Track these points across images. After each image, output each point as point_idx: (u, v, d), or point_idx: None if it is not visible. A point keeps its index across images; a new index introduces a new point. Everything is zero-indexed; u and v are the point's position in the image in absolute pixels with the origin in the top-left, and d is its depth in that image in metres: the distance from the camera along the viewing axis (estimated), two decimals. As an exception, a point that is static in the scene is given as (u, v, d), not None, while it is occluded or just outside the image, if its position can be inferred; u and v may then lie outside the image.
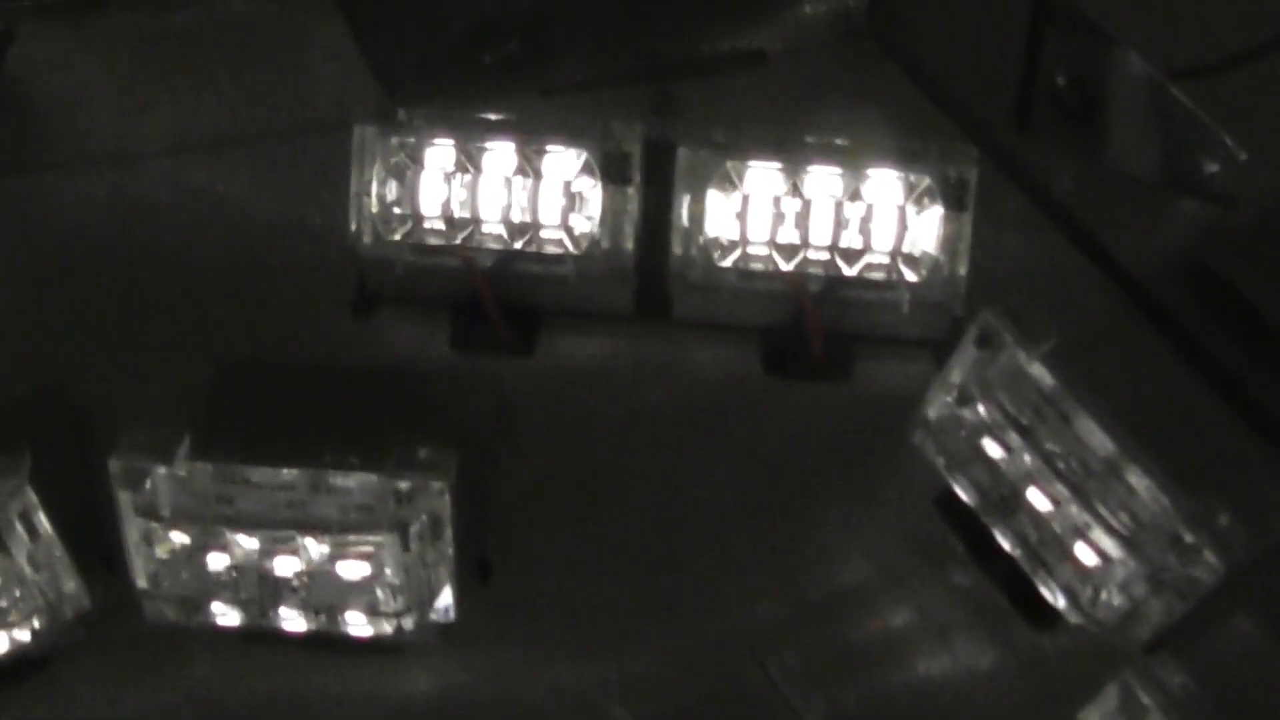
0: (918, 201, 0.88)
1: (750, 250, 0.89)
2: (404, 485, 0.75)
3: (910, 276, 0.89)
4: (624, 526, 0.89)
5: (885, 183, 0.88)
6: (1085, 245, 0.99)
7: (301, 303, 0.97)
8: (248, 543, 0.77)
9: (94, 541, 0.82)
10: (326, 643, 0.81)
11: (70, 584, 0.79)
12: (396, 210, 0.91)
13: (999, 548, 0.82)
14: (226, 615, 0.78)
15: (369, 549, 0.76)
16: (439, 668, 0.83)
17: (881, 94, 1.04)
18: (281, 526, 0.76)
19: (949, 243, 0.88)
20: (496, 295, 0.91)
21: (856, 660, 0.85)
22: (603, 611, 0.85)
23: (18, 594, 0.78)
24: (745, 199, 0.89)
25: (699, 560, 0.88)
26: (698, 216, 0.89)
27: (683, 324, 0.94)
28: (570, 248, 0.90)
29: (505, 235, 0.91)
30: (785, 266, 0.89)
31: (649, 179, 0.91)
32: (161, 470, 0.76)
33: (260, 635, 0.81)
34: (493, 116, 0.90)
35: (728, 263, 0.89)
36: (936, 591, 0.86)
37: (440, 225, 0.91)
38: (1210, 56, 1.04)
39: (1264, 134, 0.99)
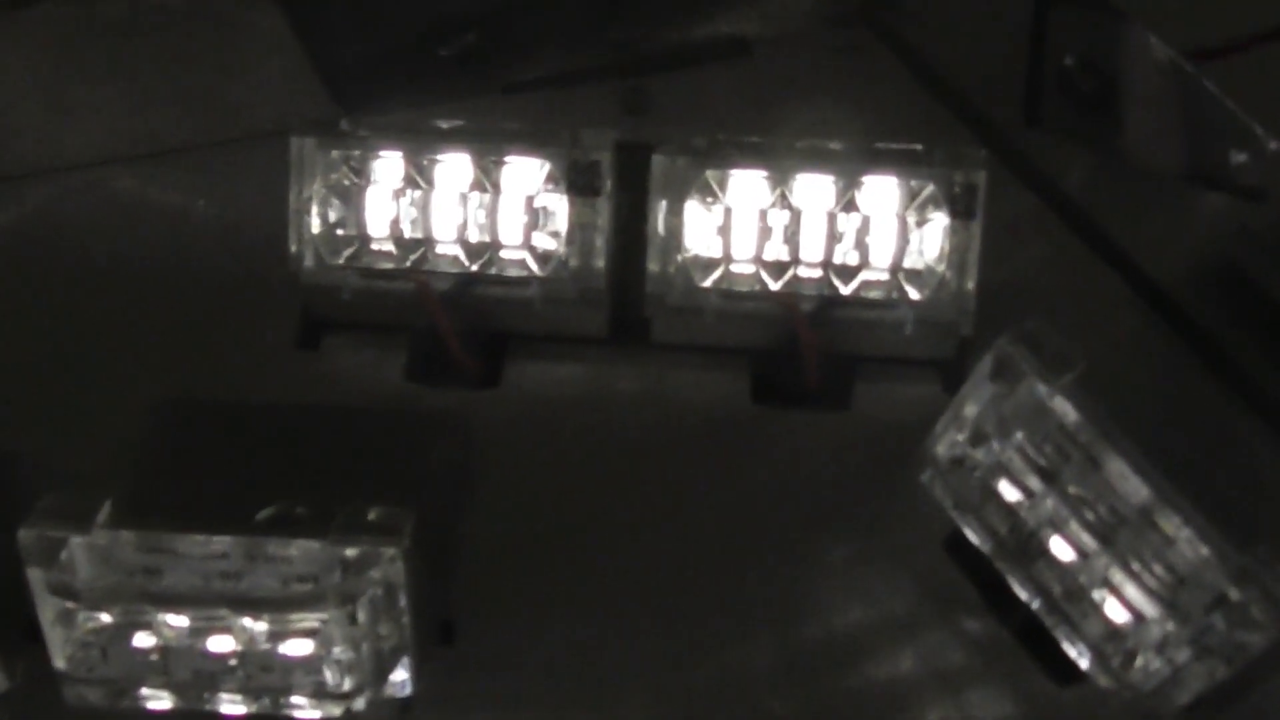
0: (920, 210, 0.80)
1: (734, 268, 0.82)
2: (351, 553, 0.67)
3: (913, 294, 0.81)
4: (601, 574, 0.81)
5: (883, 190, 0.80)
6: (1104, 250, 0.91)
7: (242, 330, 0.89)
8: (177, 621, 0.68)
9: (15, 610, 0.75)
10: (271, 720, 0.74)
11: (-17, 660, 0.71)
12: (340, 231, 0.83)
13: (1016, 598, 0.75)
14: (157, 699, 0.70)
15: (314, 625, 0.68)
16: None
17: (876, 86, 0.97)
18: (215, 604, 0.68)
19: (956, 255, 0.80)
20: (455, 322, 0.83)
21: (854, 706, 0.78)
22: (579, 669, 0.78)
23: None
24: (728, 211, 0.81)
25: (684, 609, 0.80)
26: (676, 231, 0.81)
27: (663, 348, 0.86)
28: (535, 268, 0.82)
29: (462, 256, 0.83)
30: (774, 285, 0.81)
31: (621, 188, 0.83)
32: (78, 540, 0.67)
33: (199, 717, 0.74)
34: (445, 124, 0.82)
35: (709, 282, 0.81)
36: (945, 641, 0.79)
37: (390, 247, 0.83)
38: (1233, 33, 0.97)
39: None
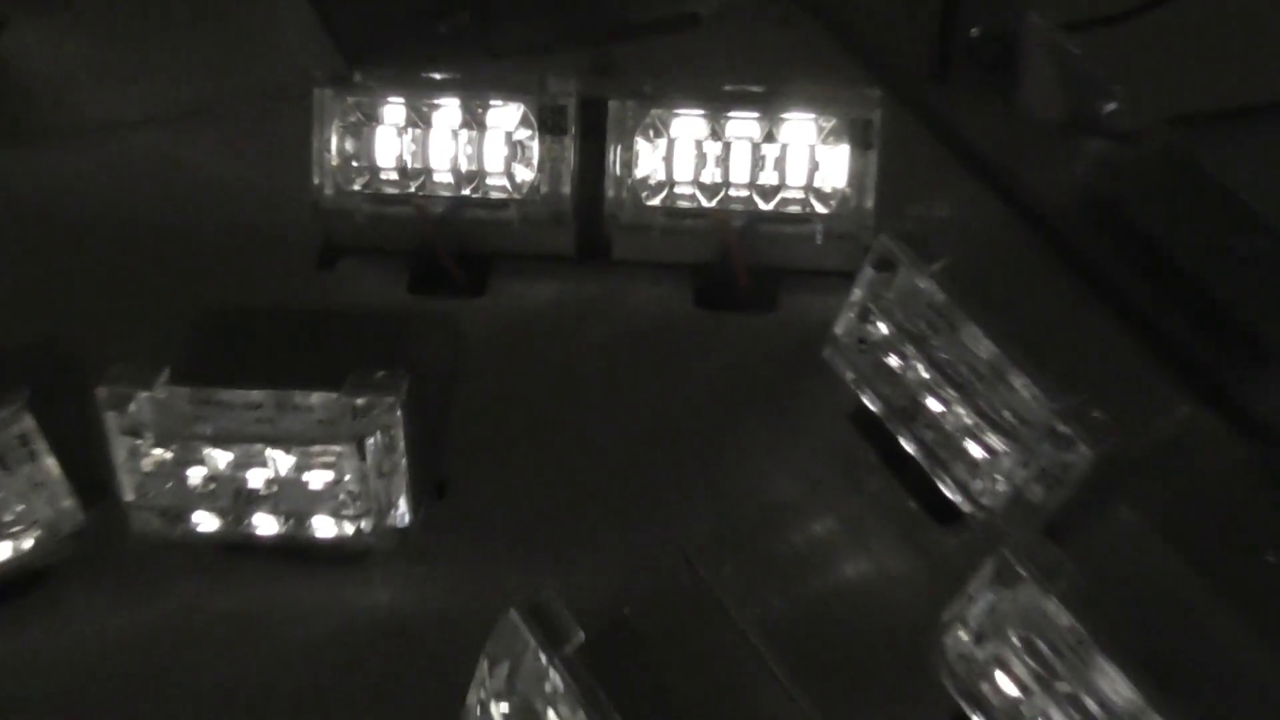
0: (827, 141, 0.97)
1: (677, 190, 0.99)
2: (360, 402, 0.84)
3: (821, 209, 0.97)
4: (569, 449, 0.97)
5: (798, 125, 0.97)
6: (994, 183, 1.08)
7: (271, 256, 1.05)
8: (222, 457, 0.85)
9: (87, 472, 0.91)
10: (295, 552, 0.90)
11: (66, 502, 0.88)
12: (355, 164, 1.00)
13: (906, 454, 0.92)
14: (205, 523, 0.87)
15: (330, 459, 0.85)
16: (398, 578, 0.91)
17: (804, 51, 1.13)
18: (252, 441, 0.85)
19: (856, 178, 0.97)
20: (448, 241, 1.00)
21: (781, 561, 0.93)
22: (548, 525, 0.93)
23: (20, 509, 0.86)
24: (671, 144, 0.98)
25: (638, 478, 0.96)
26: (628, 162, 0.98)
27: (621, 264, 1.03)
28: (513, 193, 0.99)
29: (454, 183, 1.00)
30: (709, 204, 0.98)
31: (586, 134, 1.00)
32: (144, 394, 0.85)
33: (236, 547, 0.90)
34: (439, 76, 0.99)
35: (656, 202, 0.98)
36: (854, 499, 0.95)
37: (395, 176, 1.00)
38: (1109, 7, 1.14)
39: (1162, 75, 1.08)
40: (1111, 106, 1.05)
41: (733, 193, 0.98)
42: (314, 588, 0.91)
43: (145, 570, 0.91)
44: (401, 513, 0.88)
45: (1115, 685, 0.76)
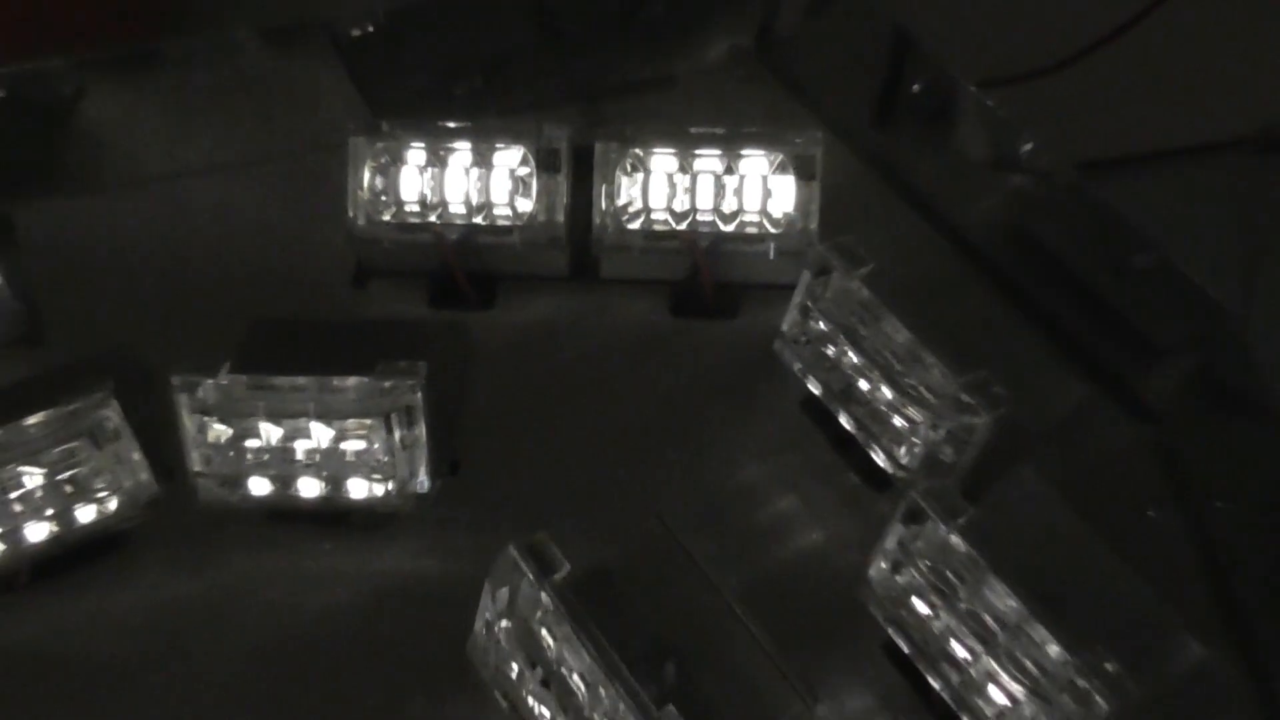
0: (777, 173, 1.15)
1: (653, 216, 1.16)
2: (386, 384, 1.02)
3: (773, 231, 1.15)
4: (563, 436, 1.14)
5: (753, 160, 1.15)
6: (926, 212, 1.25)
7: (313, 278, 1.22)
8: (273, 432, 1.03)
9: (159, 458, 1.06)
10: (333, 518, 1.07)
11: (143, 475, 1.04)
12: (383, 198, 1.17)
13: (848, 435, 1.09)
14: (259, 487, 1.05)
15: (363, 432, 1.03)
16: (419, 539, 1.07)
17: (767, 105, 1.31)
18: (298, 418, 1.03)
19: (802, 205, 1.14)
20: (462, 263, 1.18)
21: (743, 523, 1.09)
22: (544, 497, 1.08)
23: (105, 480, 1.03)
24: (647, 177, 1.16)
25: (622, 459, 1.12)
26: (611, 193, 1.16)
27: (607, 282, 1.20)
28: (516, 221, 1.17)
29: (466, 213, 1.17)
30: (680, 227, 1.16)
31: (577, 172, 1.17)
32: (209, 381, 1.02)
33: (282, 515, 1.07)
34: (453, 125, 1.17)
35: (635, 226, 1.16)
36: (805, 472, 1.11)
37: (416, 208, 1.17)
38: (1034, 61, 1.32)
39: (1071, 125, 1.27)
40: (1027, 148, 1.23)
41: (699, 217, 1.16)
42: (349, 549, 1.07)
43: (207, 536, 1.07)
44: (421, 480, 1.05)
45: (1004, 600, 0.93)
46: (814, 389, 1.09)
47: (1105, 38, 1.35)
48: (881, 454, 1.05)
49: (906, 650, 0.97)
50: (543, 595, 0.92)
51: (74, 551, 1.05)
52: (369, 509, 1.06)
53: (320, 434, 1.03)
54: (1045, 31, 1.38)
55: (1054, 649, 0.89)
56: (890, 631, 0.98)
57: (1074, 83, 1.34)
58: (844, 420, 1.07)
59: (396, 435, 1.02)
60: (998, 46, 1.37)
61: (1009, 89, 1.29)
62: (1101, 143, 1.33)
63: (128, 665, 1.02)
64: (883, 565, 0.97)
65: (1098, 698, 0.87)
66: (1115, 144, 1.34)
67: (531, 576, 0.92)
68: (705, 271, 1.16)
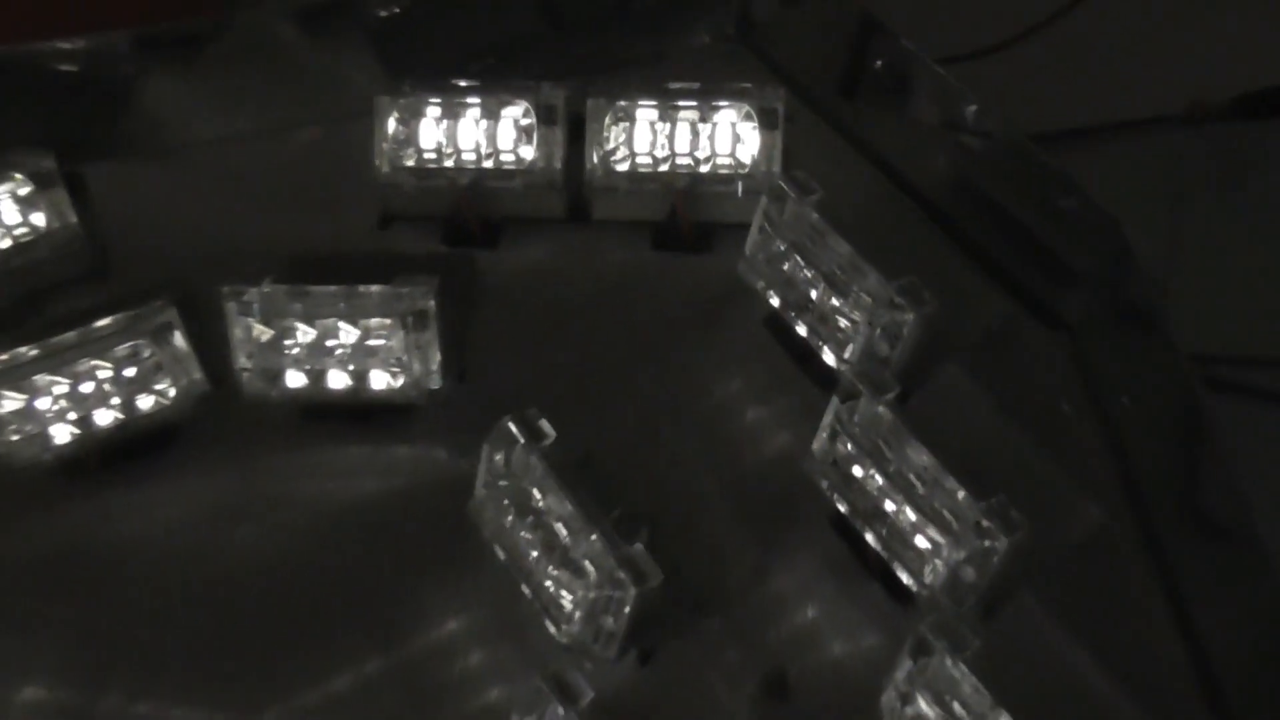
0: (745, 122, 1.32)
1: (637, 160, 1.33)
2: (403, 290, 1.19)
3: (741, 173, 1.32)
4: (558, 353, 1.29)
5: (724, 111, 1.32)
6: (884, 168, 1.42)
7: (342, 223, 1.38)
8: (308, 332, 1.20)
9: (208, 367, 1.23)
10: (357, 412, 1.24)
11: (196, 374, 1.21)
12: (404, 149, 1.35)
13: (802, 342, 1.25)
14: (295, 380, 1.21)
15: (384, 332, 1.19)
16: (430, 436, 1.23)
17: (743, 78, 1.46)
18: (329, 318, 1.20)
19: (765, 151, 1.31)
20: (472, 205, 1.35)
21: (707, 423, 1.24)
22: (539, 403, 1.15)
23: (164, 375, 1.20)
24: (632, 126, 1.32)
25: (609, 373, 1.27)
26: (600, 141, 1.33)
27: (599, 223, 1.37)
28: (519, 167, 1.34)
29: (476, 160, 1.34)
30: (661, 169, 1.33)
31: (573, 135, 1.34)
32: (254, 289, 1.20)
33: (314, 412, 1.24)
34: (465, 84, 1.35)
35: (622, 169, 1.33)
36: (767, 381, 1.27)
37: (434, 156, 1.34)
38: (983, 42, 1.50)
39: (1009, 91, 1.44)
40: (972, 110, 1.40)
41: (677, 161, 1.33)
42: (372, 441, 1.24)
43: (248, 433, 1.23)
44: (434, 374, 1.21)
45: (921, 457, 1.07)
46: (775, 303, 1.25)
47: (1044, 21, 1.52)
48: (830, 355, 1.22)
49: (845, 510, 1.13)
50: (532, 458, 1.09)
51: (135, 441, 1.21)
52: (388, 401, 1.23)
53: (347, 334, 1.20)
54: (992, 16, 1.56)
55: (962, 495, 1.05)
56: (833, 497, 1.14)
57: (1016, 62, 1.51)
58: (801, 328, 1.24)
59: (412, 335, 1.19)
60: (951, 29, 1.54)
61: (960, 65, 1.47)
62: (1040, 117, 1.50)
63: (179, 547, 1.18)
64: (824, 437, 1.13)
65: (999, 533, 1.03)
66: (1053, 118, 1.51)
67: (523, 441, 1.09)
68: (682, 210, 1.33)
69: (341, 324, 1.19)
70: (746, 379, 1.28)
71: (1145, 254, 1.26)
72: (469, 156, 1.35)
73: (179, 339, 1.20)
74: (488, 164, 1.34)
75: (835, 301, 1.20)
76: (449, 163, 1.35)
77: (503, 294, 1.34)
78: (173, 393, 1.21)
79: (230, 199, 1.43)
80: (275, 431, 1.24)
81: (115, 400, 1.20)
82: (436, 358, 1.21)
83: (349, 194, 1.40)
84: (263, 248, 1.34)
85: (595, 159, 1.33)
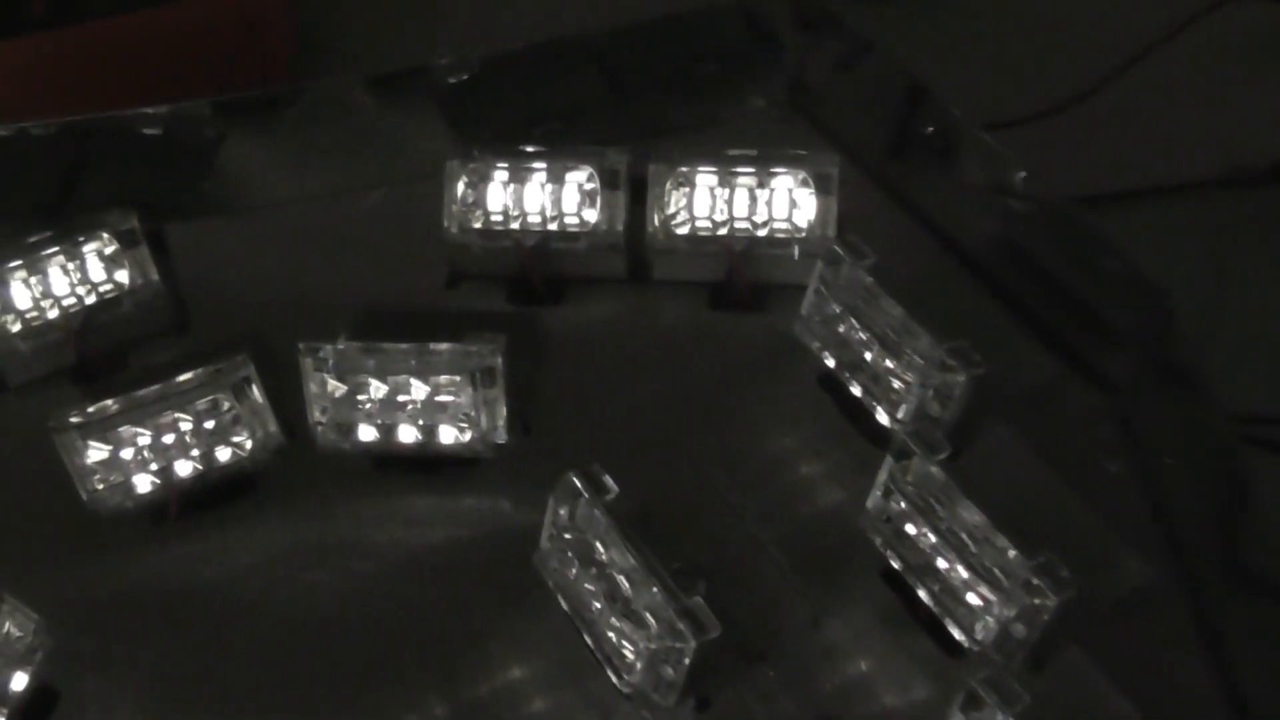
0: (802, 188, 1.37)
1: (697, 223, 1.38)
2: (472, 349, 1.24)
3: (798, 236, 1.37)
4: (619, 410, 1.33)
5: (781, 177, 1.37)
6: (932, 229, 1.47)
7: (413, 283, 1.44)
8: (380, 388, 1.25)
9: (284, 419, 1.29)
10: (427, 464, 1.28)
11: (272, 427, 1.27)
12: (473, 211, 1.41)
13: (853, 397, 1.30)
14: (367, 434, 1.27)
15: (453, 388, 1.25)
16: (496, 487, 1.28)
17: (798, 143, 1.51)
18: (401, 374, 1.25)
19: (821, 215, 1.36)
20: (537, 266, 1.41)
21: (764, 472, 1.28)
22: (600, 456, 1.19)
23: (242, 427, 1.25)
24: (692, 190, 1.37)
25: (668, 433, 1.31)
26: (662, 205, 1.38)
27: (658, 283, 1.42)
28: (582, 229, 1.39)
29: (541, 222, 1.39)
30: (720, 233, 1.38)
31: (635, 198, 1.39)
32: (329, 346, 1.25)
33: (385, 463, 1.29)
34: (531, 149, 1.41)
35: (681, 232, 1.38)
36: (820, 435, 1.32)
37: (500, 218, 1.39)
38: (1028, 109, 1.55)
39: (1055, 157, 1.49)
40: (1021, 176, 1.44)
41: (736, 225, 1.38)
42: (440, 492, 1.28)
43: (323, 483, 1.28)
44: (500, 428, 1.26)
45: (973, 516, 1.12)
46: (830, 363, 1.30)
47: (1088, 91, 1.57)
48: (884, 414, 1.26)
49: (897, 566, 1.17)
50: (595, 512, 1.13)
51: (214, 490, 1.27)
52: (456, 455, 1.27)
53: (418, 389, 1.25)
54: (1038, 84, 1.61)
55: (1012, 553, 1.09)
56: (885, 552, 1.18)
57: (1060, 129, 1.56)
58: (856, 389, 1.28)
59: (480, 392, 1.25)
60: (998, 95, 1.59)
61: (1005, 131, 1.52)
62: (1084, 181, 1.54)
63: (254, 592, 1.22)
64: (878, 495, 1.17)
65: (1048, 591, 1.07)
66: (1097, 183, 1.56)
67: (586, 496, 1.14)
68: (739, 272, 1.38)
69: (412, 380, 1.24)
70: (801, 435, 1.32)
71: (1188, 315, 1.29)
72: (534, 219, 1.40)
73: (256, 393, 1.26)
74: (552, 226, 1.40)
75: (888, 363, 1.24)
76: (515, 224, 1.40)
77: (566, 351, 1.39)
78: (250, 445, 1.26)
79: (304, 256, 1.49)
80: (348, 482, 1.29)
81: (195, 451, 1.25)
82: (503, 413, 1.26)
83: (419, 253, 1.46)
84: (336, 303, 1.41)
85: (656, 222, 1.38)
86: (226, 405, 1.25)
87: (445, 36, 1.69)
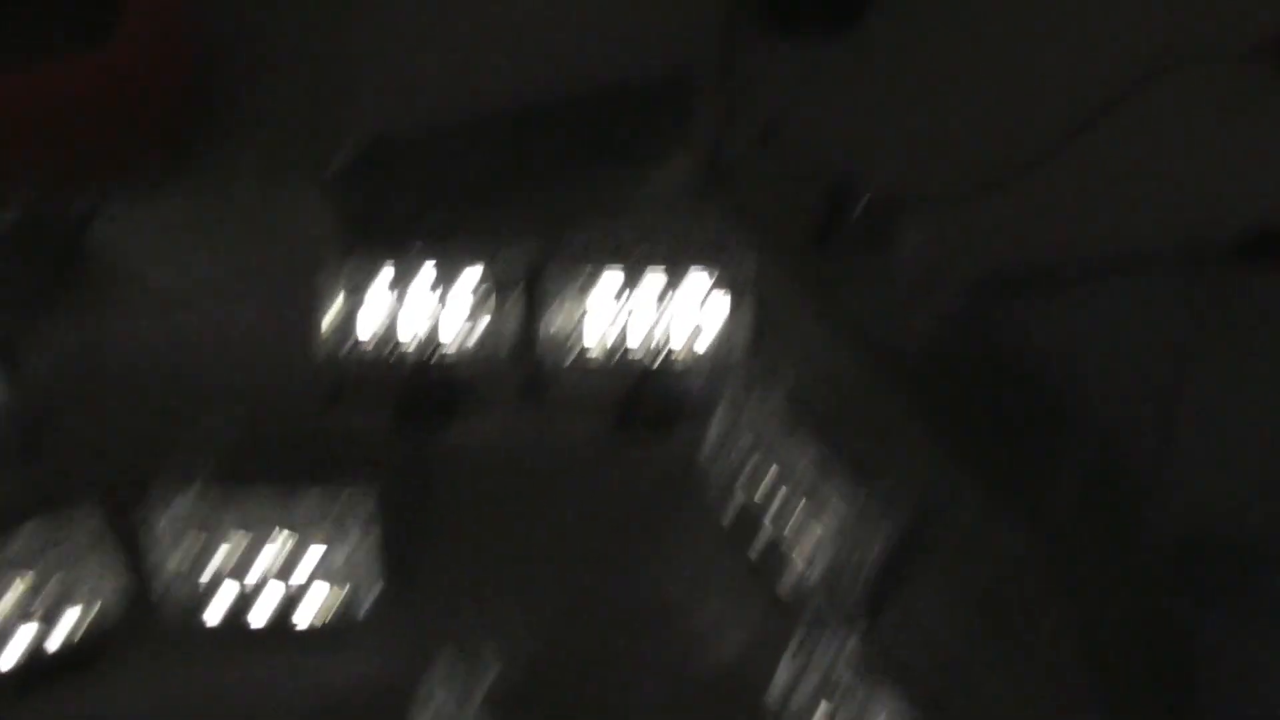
0: (714, 290, 1.23)
1: (594, 343, 1.26)
2: (344, 495, 1.12)
3: (708, 352, 1.24)
4: (509, 548, 1.24)
5: (692, 277, 1.24)
6: (853, 330, 1.35)
7: (290, 392, 1.30)
8: (242, 538, 1.14)
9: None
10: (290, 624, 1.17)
11: (122, 579, 1.16)
12: (352, 320, 1.26)
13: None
14: (229, 589, 1.15)
15: (323, 537, 1.14)
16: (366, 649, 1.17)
17: (713, 230, 1.40)
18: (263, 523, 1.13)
19: (730, 332, 1.23)
20: (423, 382, 1.28)
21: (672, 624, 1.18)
22: (484, 606, 1.18)
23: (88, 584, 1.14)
24: (592, 296, 1.24)
25: (561, 573, 1.22)
26: (559, 320, 1.25)
27: (557, 402, 1.29)
28: (474, 341, 1.26)
29: (429, 335, 1.26)
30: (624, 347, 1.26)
31: (531, 296, 1.27)
32: (182, 495, 1.13)
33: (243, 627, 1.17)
34: (418, 248, 1.26)
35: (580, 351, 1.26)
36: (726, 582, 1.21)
37: (383, 329, 1.26)
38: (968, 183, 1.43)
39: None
40: (955, 263, 1.33)
41: (636, 346, 1.26)
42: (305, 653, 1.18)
43: (175, 646, 1.17)
44: (374, 580, 1.15)
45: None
46: (737, 498, 1.18)
47: (1021, 168, 1.45)
48: (798, 559, 1.14)
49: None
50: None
51: (58, 659, 1.15)
52: (326, 608, 1.16)
53: (283, 540, 1.13)
54: (969, 161, 1.48)
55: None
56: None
57: (994, 208, 1.44)
58: (764, 529, 1.16)
59: (352, 543, 1.13)
60: (929, 173, 1.47)
61: (944, 208, 1.40)
62: (1033, 258, 1.42)
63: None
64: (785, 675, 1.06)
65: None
66: (1045, 259, 1.43)
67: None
68: (643, 393, 1.26)
69: (278, 531, 1.12)
70: (703, 579, 1.21)
71: (1141, 409, 1.18)
72: (421, 327, 1.27)
73: (104, 546, 1.14)
74: (442, 336, 1.26)
75: (802, 502, 1.12)
76: (402, 335, 1.27)
77: (455, 477, 1.28)
78: (96, 607, 1.14)
79: (174, 362, 1.36)
80: (202, 645, 1.18)
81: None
82: (376, 564, 1.14)
83: (297, 357, 1.31)
84: (204, 420, 1.26)
85: (552, 343, 1.25)
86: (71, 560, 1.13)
87: (348, 114, 1.53)
